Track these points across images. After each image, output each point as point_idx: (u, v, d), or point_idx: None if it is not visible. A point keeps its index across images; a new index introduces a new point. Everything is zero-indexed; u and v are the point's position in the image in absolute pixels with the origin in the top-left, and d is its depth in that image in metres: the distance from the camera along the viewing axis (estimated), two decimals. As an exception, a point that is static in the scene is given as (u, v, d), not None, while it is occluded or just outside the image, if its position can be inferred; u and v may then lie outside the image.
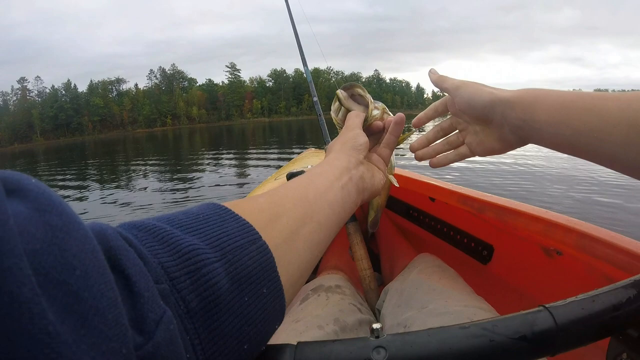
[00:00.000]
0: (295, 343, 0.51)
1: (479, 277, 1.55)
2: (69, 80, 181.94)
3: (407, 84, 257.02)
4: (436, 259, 1.55)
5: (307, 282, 1.45)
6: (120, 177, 16.18)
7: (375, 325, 0.60)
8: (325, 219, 0.65)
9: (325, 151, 0.93)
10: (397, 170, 1.81)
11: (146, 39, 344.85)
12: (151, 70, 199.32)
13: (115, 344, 0.28)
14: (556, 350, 0.51)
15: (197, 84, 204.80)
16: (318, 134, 1.96)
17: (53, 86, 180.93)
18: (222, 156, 20.99)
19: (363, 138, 0.90)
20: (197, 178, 13.05)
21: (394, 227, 2.12)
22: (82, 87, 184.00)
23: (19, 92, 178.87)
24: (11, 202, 0.27)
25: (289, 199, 0.62)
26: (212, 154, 23.17)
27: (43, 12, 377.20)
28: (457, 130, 1.08)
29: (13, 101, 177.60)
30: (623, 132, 0.65)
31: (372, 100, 1.05)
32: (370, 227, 1.66)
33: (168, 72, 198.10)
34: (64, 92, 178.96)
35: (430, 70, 1.09)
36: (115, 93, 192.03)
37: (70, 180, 16.60)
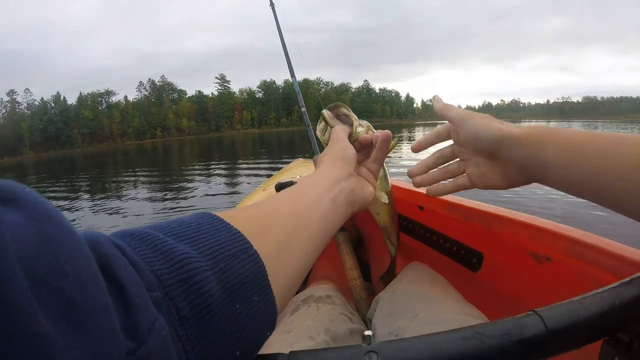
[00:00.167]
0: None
1: (469, 285, 1.55)
2: (58, 92, 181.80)
3: (397, 93, 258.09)
4: (427, 267, 1.56)
5: (297, 292, 1.46)
6: (110, 189, 16.13)
7: (367, 333, 0.62)
8: (316, 230, 0.65)
9: (314, 163, 0.96)
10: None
11: (135, 51, 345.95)
12: (140, 82, 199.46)
13: (107, 347, 0.28)
14: (547, 354, 0.51)
15: (187, 96, 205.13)
16: (308, 145, 1.96)
17: (42, 99, 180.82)
18: (213, 168, 20.97)
19: (351, 150, 0.89)
20: (188, 190, 13.03)
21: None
22: (72, 100, 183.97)
23: (8, 105, 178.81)
24: (6, 211, 0.28)
25: (280, 210, 0.63)
26: (202, 165, 23.13)
27: (32, 24, 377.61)
28: (458, 159, 1.07)
29: (2, 114, 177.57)
30: (634, 177, 0.64)
31: (356, 118, 1.06)
32: (392, 250, 1.62)
33: (157, 83, 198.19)
34: (53, 104, 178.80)
35: (434, 97, 1.08)
36: (104, 105, 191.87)
37: (60, 192, 16.53)
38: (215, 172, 18.62)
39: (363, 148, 1.01)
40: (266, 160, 21.60)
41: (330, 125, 1.06)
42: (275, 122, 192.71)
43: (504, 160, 0.89)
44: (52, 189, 18.00)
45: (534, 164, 0.81)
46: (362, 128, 1.04)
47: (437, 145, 1.14)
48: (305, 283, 1.72)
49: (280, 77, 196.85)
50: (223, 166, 21.49)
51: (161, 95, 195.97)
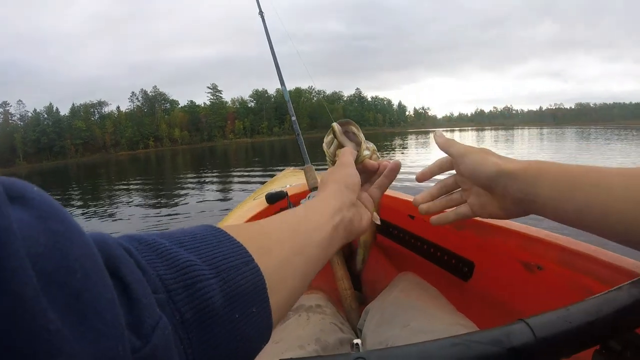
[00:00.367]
0: None
1: (460, 294, 1.55)
2: (50, 103, 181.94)
3: (389, 101, 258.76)
4: (417, 277, 1.56)
5: None
6: (103, 199, 16.07)
7: (356, 341, 0.63)
8: (314, 253, 0.67)
9: (319, 183, 0.95)
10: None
11: (127, 62, 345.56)
12: (133, 92, 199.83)
13: (112, 343, 0.29)
14: None
15: (179, 106, 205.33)
16: (300, 154, 1.99)
17: (35, 110, 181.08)
18: (205, 177, 20.97)
19: (357, 177, 0.91)
20: (181, 199, 12.99)
21: (374, 245, 2.04)
22: (64, 111, 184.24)
23: (1, 116, 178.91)
24: (14, 209, 0.28)
25: (281, 230, 0.65)
26: (195, 175, 23.10)
27: (25, 36, 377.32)
28: (461, 189, 1.09)
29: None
30: (629, 209, 0.65)
31: (364, 140, 1.07)
32: (359, 264, 1.68)
33: (150, 94, 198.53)
34: (46, 115, 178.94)
35: (436, 133, 1.09)
36: (97, 116, 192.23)
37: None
38: (208, 182, 18.67)
39: (365, 172, 1.03)
40: (259, 169, 21.57)
41: (338, 140, 1.07)
42: (267, 131, 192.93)
43: (502, 194, 0.91)
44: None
45: (529, 198, 0.83)
46: (368, 152, 1.06)
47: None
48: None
49: (272, 86, 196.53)
50: (215, 175, 21.46)
51: (153, 105, 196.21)
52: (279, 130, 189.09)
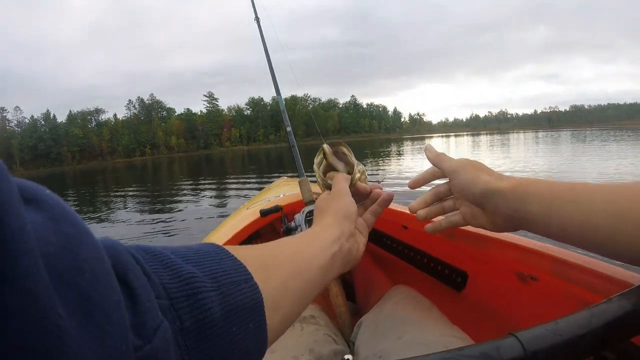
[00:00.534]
0: None
1: (454, 305, 1.55)
2: (48, 110, 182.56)
3: (384, 108, 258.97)
4: (411, 290, 1.57)
5: None
6: (100, 206, 16.00)
7: (347, 357, 0.64)
8: (312, 280, 0.68)
9: (315, 210, 0.95)
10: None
11: (124, 70, 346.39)
12: (130, 100, 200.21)
13: (116, 342, 0.30)
14: None
15: (176, 114, 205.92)
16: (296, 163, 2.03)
17: (32, 116, 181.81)
18: (202, 185, 20.86)
19: (355, 207, 0.92)
20: (177, 206, 12.91)
21: (368, 255, 2.14)
22: (61, 118, 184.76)
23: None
24: (28, 211, 0.29)
25: (282, 254, 0.67)
26: (192, 182, 22.98)
27: (23, 43, 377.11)
28: (454, 196, 1.09)
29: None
30: (609, 223, 0.68)
31: (357, 163, 1.06)
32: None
33: (146, 102, 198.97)
34: (43, 122, 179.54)
35: (426, 148, 1.10)
36: (94, 123, 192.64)
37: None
38: (204, 189, 18.45)
39: (357, 195, 1.03)
40: (255, 177, 21.51)
41: (328, 161, 1.06)
42: (263, 139, 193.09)
43: (492, 210, 0.93)
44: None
45: (519, 215, 0.85)
46: (359, 174, 1.05)
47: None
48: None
49: (268, 94, 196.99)
50: (212, 183, 21.33)
51: (150, 113, 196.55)
52: (275, 137, 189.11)
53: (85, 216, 12.92)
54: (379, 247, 2.14)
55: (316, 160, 1.08)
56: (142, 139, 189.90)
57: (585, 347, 0.54)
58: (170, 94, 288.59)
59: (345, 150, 1.07)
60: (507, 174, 0.85)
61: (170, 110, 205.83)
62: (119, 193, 20.91)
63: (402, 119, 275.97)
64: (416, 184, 1.14)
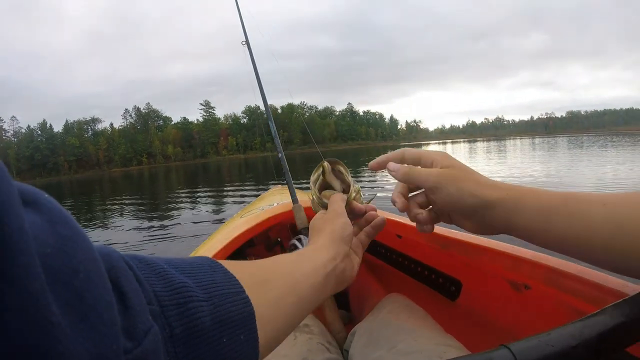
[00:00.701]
0: None
1: (448, 313, 1.56)
2: (44, 120, 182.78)
3: (381, 116, 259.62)
4: (405, 298, 1.57)
5: None
6: (97, 216, 15.96)
7: None
8: (306, 297, 0.68)
9: (310, 230, 0.94)
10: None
11: (121, 79, 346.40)
12: (126, 109, 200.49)
13: (108, 341, 0.31)
14: None
15: (172, 123, 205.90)
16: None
17: (29, 126, 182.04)
18: (199, 194, 20.83)
19: (350, 228, 0.91)
20: (174, 215, 12.87)
21: (362, 264, 1.98)
22: (58, 127, 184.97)
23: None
24: (27, 212, 0.30)
25: (277, 270, 0.67)
26: (188, 191, 22.93)
27: (19, 53, 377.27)
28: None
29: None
30: (605, 238, 0.66)
31: (353, 182, 1.05)
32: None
33: (143, 111, 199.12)
34: (39, 132, 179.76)
35: (388, 168, 0.98)
36: (90, 133, 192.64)
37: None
38: (201, 198, 18.44)
39: (352, 214, 1.01)
40: (251, 185, 21.48)
41: (325, 178, 1.06)
42: (260, 147, 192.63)
43: (479, 220, 0.87)
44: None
45: (508, 225, 0.82)
46: (354, 193, 1.05)
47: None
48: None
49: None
50: (209, 192, 21.35)
51: (147, 122, 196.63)
52: (272, 146, 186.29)
53: (82, 225, 12.87)
54: (373, 255, 2.13)
55: (313, 177, 1.08)
56: (139, 148, 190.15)
57: (578, 358, 0.53)
58: (166, 102, 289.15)
59: (342, 169, 1.07)
60: (506, 180, 0.83)
61: (167, 119, 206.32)
62: (115, 203, 20.86)
63: (399, 126, 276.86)
64: (378, 165, 1.03)
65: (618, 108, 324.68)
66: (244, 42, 2.77)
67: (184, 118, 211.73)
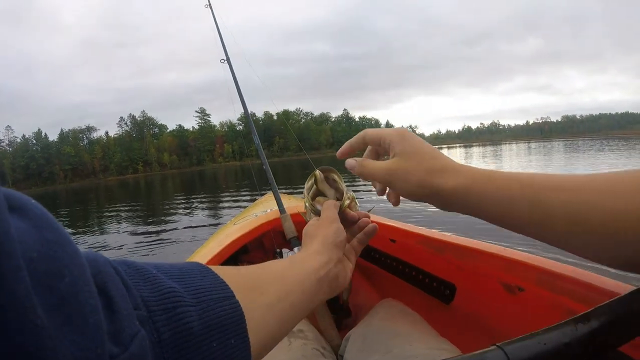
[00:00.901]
0: None
1: (442, 317, 1.56)
2: (39, 129, 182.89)
3: (377, 121, 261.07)
4: (399, 303, 1.56)
5: None
6: (93, 224, 15.93)
7: None
8: (298, 304, 0.68)
9: (303, 236, 0.93)
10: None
11: (116, 87, 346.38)
12: (121, 117, 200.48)
13: (93, 345, 0.31)
14: None
15: (168, 130, 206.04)
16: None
17: (24, 135, 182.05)
18: (195, 201, 20.78)
19: (343, 234, 0.90)
20: (171, 223, 12.83)
21: (356, 269, 1.99)
22: (53, 136, 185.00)
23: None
24: (13, 217, 0.30)
25: (269, 276, 0.67)
26: (185, 199, 22.88)
27: (13, 62, 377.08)
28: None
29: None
30: (564, 226, 0.66)
31: (346, 190, 1.05)
32: (344, 296, 1.72)
33: (138, 119, 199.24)
34: (34, 141, 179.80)
35: (346, 165, 0.97)
36: (86, 141, 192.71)
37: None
38: (197, 205, 18.39)
39: (345, 220, 1.01)
40: (247, 192, 21.45)
41: (319, 187, 1.05)
42: (256, 154, 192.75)
43: (436, 204, 0.84)
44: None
45: (465, 210, 0.80)
46: (348, 200, 1.04)
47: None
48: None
49: (260, 108, 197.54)
50: (205, 199, 21.32)
51: (142, 130, 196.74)
52: (268, 152, 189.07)
53: (78, 234, 12.86)
54: (367, 260, 2.13)
55: (306, 185, 1.08)
56: (135, 156, 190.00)
57: (571, 357, 0.53)
58: (161, 110, 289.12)
59: (335, 176, 1.06)
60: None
61: (162, 127, 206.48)
62: (112, 211, 20.79)
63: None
64: (343, 154, 1.01)
65: (614, 112, 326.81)
66: (223, 60, 2.79)
67: (180, 126, 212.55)
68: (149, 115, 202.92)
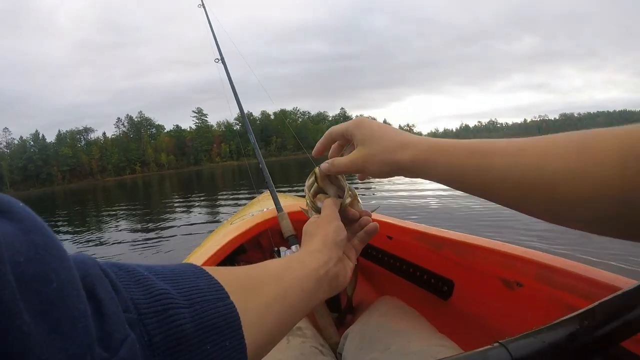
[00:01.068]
0: None
1: (440, 314, 1.55)
2: (37, 130, 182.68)
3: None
4: (397, 300, 1.56)
5: None
6: (91, 225, 15.90)
7: None
8: (296, 303, 0.67)
9: (303, 234, 0.93)
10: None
11: (113, 88, 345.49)
12: (119, 118, 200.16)
13: (81, 350, 0.30)
14: None
15: (165, 131, 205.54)
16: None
17: (21, 137, 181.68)
18: (193, 200, 20.78)
19: (344, 232, 0.90)
20: (168, 222, 12.80)
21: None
22: (51, 138, 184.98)
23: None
24: (0, 221, 0.30)
25: (267, 276, 0.66)
26: (182, 199, 22.87)
27: (10, 64, 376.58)
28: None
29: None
30: (509, 188, 0.70)
31: (348, 187, 1.04)
32: (350, 291, 1.70)
33: (135, 119, 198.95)
34: (32, 143, 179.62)
35: (321, 168, 1.01)
36: (83, 142, 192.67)
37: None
38: (195, 205, 18.57)
39: (345, 218, 1.00)
40: (245, 191, 21.39)
41: (319, 185, 1.03)
42: (253, 154, 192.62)
43: (401, 175, 0.89)
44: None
45: (425, 177, 0.83)
46: (350, 199, 1.04)
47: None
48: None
49: (257, 108, 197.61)
50: (203, 198, 21.41)
51: (139, 130, 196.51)
52: (265, 152, 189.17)
53: (76, 235, 12.84)
54: (365, 258, 2.12)
55: (307, 182, 1.07)
56: (132, 156, 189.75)
57: (573, 353, 0.53)
58: (159, 110, 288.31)
59: None
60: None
61: (160, 127, 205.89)
62: (110, 211, 20.76)
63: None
64: (318, 152, 1.08)
65: (611, 110, 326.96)
66: (217, 60, 2.78)
67: (177, 126, 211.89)
68: (146, 115, 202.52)
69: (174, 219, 13.79)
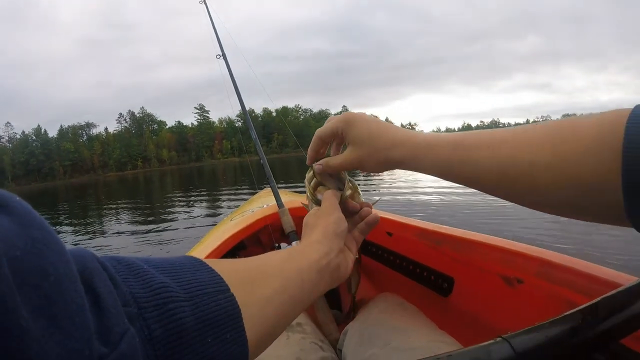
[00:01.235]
0: None
1: (440, 311, 1.55)
2: (39, 125, 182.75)
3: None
4: (397, 297, 1.56)
5: None
6: (92, 220, 15.90)
7: None
8: (297, 295, 0.67)
9: (304, 226, 0.93)
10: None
11: (115, 83, 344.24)
12: (120, 113, 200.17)
13: (80, 345, 0.30)
14: None
15: (167, 126, 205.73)
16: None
17: (23, 132, 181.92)
18: (194, 196, 20.81)
19: (344, 224, 0.90)
20: (169, 218, 12.80)
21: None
22: (53, 132, 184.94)
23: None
24: None
25: (267, 268, 0.66)
26: (183, 194, 22.89)
27: (13, 59, 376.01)
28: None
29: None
30: (493, 180, 0.72)
31: (348, 179, 1.04)
32: (353, 288, 1.68)
33: (137, 115, 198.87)
34: (34, 137, 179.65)
35: (315, 170, 1.03)
36: (85, 137, 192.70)
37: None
38: (196, 201, 18.68)
39: (346, 211, 0.99)
40: (246, 187, 21.38)
41: (318, 179, 1.04)
42: (255, 151, 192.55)
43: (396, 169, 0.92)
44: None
45: (418, 172, 0.86)
46: (350, 191, 1.03)
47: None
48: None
49: (259, 105, 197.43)
50: (204, 194, 21.55)
51: (141, 126, 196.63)
52: (267, 149, 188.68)
53: (78, 230, 12.86)
54: (364, 254, 2.11)
55: (307, 175, 1.07)
56: (134, 152, 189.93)
57: (574, 349, 0.53)
58: (160, 106, 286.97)
59: None
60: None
61: (161, 123, 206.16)
62: (111, 206, 20.82)
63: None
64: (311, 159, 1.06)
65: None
66: (219, 56, 2.78)
67: (179, 122, 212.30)
68: (148, 111, 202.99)
69: (175, 214, 13.84)
